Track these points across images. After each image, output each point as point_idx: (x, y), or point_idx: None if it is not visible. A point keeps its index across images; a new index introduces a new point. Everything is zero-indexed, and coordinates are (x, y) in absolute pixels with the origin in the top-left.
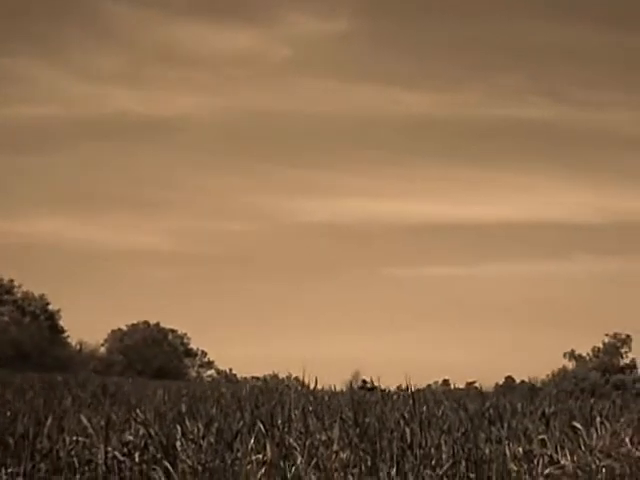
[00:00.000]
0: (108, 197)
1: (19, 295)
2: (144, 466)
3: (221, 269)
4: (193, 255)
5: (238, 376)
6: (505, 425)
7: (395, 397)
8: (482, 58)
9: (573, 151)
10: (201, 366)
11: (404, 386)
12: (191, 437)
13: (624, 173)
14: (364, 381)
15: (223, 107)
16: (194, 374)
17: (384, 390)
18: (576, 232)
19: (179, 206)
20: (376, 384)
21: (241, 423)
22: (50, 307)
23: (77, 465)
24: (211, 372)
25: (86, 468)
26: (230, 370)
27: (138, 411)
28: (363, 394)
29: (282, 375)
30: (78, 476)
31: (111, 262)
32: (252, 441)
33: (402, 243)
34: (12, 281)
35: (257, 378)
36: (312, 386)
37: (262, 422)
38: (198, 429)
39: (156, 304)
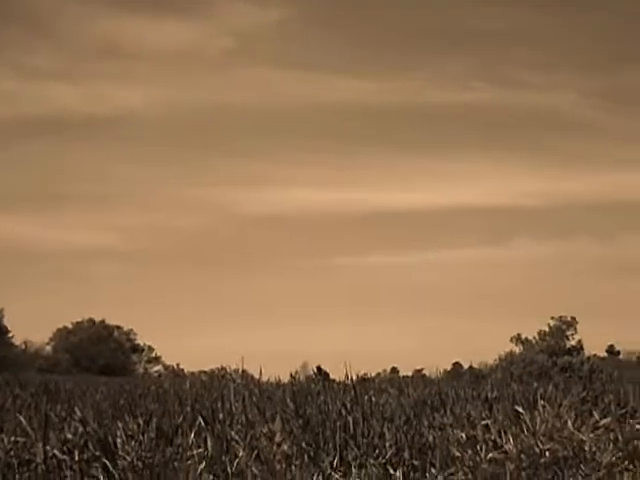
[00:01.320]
0: (49, 195)
1: None
2: (84, 464)
3: (166, 264)
4: (136, 250)
5: (186, 371)
6: (448, 411)
7: (337, 386)
8: (424, 44)
9: (516, 135)
10: (148, 362)
11: (350, 375)
12: (130, 433)
13: (566, 156)
14: (319, 368)
15: (165, 101)
16: (141, 370)
17: (334, 380)
18: (519, 216)
19: (122, 202)
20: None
21: (181, 418)
22: None
23: (16, 465)
24: (158, 368)
25: (25, 468)
26: (177, 365)
27: (76, 409)
28: (307, 385)
29: (230, 369)
30: (17, 476)
31: (53, 260)
32: (192, 436)
33: (348, 232)
34: None
35: (205, 372)
36: (256, 378)
37: (203, 416)
38: (138, 425)
39: (101, 301)
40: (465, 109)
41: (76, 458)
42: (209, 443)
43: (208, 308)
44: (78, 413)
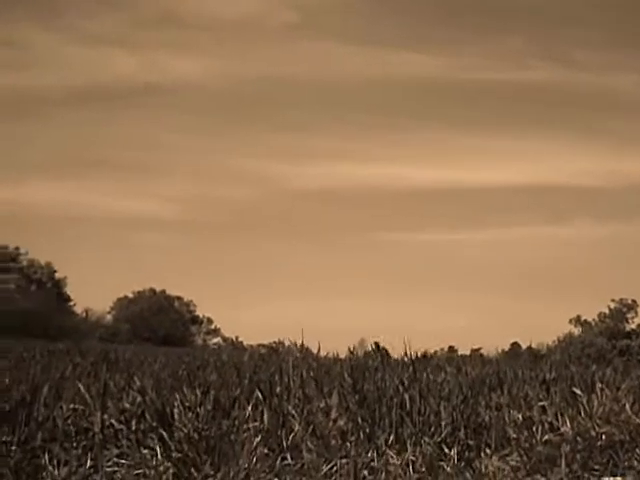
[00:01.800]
0: (111, 163)
1: (25, 263)
2: (140, 434)
3: (217, 235)
4: (187, 221)
5: (245, 343)
6: (505, 391)
7: (394, 363)
8: (481, 21)
9: (574, 115)
10: (207, 333)
11: (409, 352)
12: (188, 405)
13: (627, 136)
14: (377, 344)
15: (222, 72)
16: (200, 342)
17: (390, 357)
18: (580, 196)
19: (181, 172)
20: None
21: (239, 391)
22: (56, 275)
23: (74, 433)
24: (217, 339)
25: (82, 436)
26: (236, 337)
27: (136, 378)
28: (365, 360)
29: (287, 342)
30: (74, 444)
31: (115, 229)
32: (249, 409)
33: (403, 208)
34: (18, 249)
35: (263, 345)
36: (314, 352)
37: (260, 390)
38: (196, 396)
39: (162, 271)
40: (522, 87)
41: (133, 428)
42: (265, 417)
43: (261, 281)
44: (137, 382)
